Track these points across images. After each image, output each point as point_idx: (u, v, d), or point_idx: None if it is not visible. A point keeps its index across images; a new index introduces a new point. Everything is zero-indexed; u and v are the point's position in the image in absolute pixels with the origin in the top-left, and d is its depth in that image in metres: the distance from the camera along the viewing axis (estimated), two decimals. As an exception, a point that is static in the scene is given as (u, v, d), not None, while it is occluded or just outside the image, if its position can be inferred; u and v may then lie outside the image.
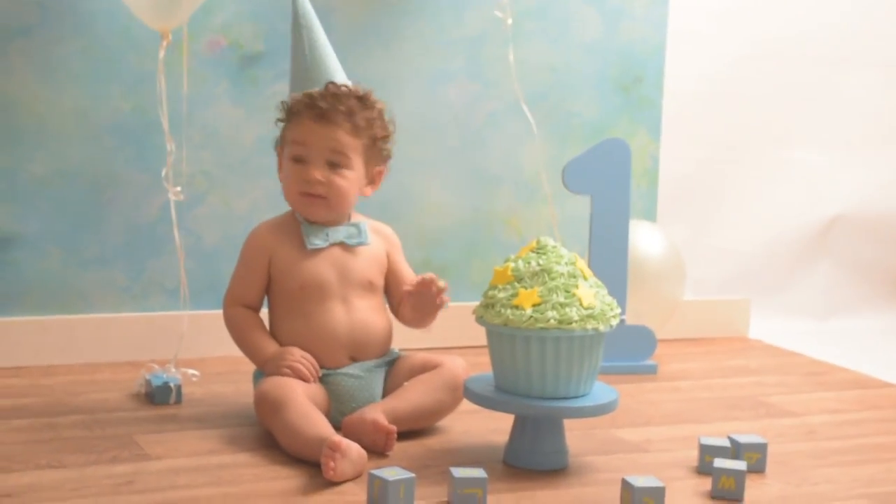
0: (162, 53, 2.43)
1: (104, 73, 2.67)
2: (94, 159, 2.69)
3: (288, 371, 2.18)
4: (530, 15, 3.00)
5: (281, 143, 2.31)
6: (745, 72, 3.35)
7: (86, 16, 2.64)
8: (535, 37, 3.01)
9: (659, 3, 3.13)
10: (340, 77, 2.29)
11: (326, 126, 2.23)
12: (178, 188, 2.50)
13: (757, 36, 3.35)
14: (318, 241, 2.27)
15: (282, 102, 2.31)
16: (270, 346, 2.26)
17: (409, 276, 2.34)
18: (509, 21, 2.83)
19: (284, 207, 2.65)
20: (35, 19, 2.61)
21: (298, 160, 2.25)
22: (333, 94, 2.24)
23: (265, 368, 2.24)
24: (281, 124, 2.31)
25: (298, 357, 2.21)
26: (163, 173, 2.51)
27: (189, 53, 2.67)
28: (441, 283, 2.22)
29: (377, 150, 2.29)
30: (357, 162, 2.26)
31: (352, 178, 2.26)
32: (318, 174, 2.23)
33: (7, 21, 2.59)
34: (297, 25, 2.28)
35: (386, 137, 2.30)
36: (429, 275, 2.22)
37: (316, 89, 2.25)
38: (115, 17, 2.65)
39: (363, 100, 2.27)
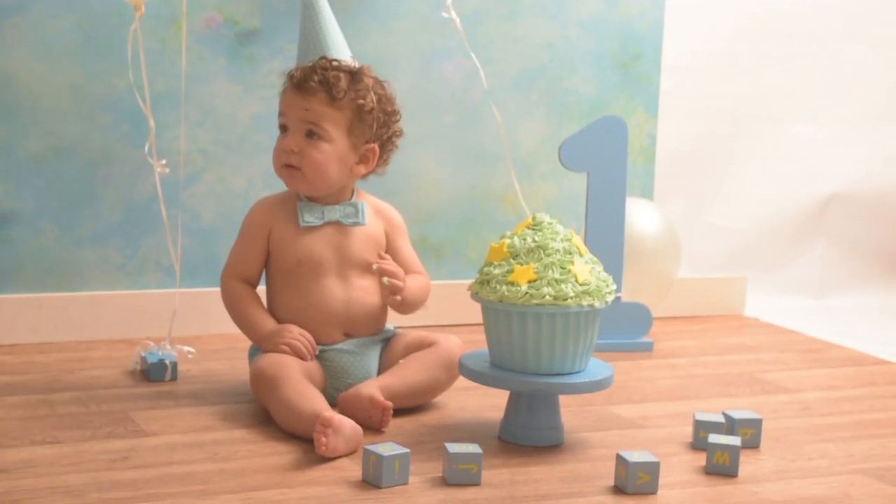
0: (135, 26, 2.41)
1: (98, 49, 2.66)
2: (89, 136, 2.68)
3: (286, 348, 2.19)
4: (527, -8, 2.99)
5: None
6: (743, 47, 3.34)
7: (81, -8, 2.64)
8: (532, 13, 3.00)
9: (656, -21, 3.12)
10: (338, 53, 2.27)
11: (301, 95, 2.23)
12: (164, 161, 2.50)
13: (754, 10, 3.34)
14: (311, 219, 2.26)
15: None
16: (268, 323, 2.26)
17: (409, 259, 2.34)
18: (457, 19, 2.79)
19: (281, 186, 2.65)
20: (30, -5, 2.60)
21: (282, 130, 2.27)
22: (316, 66, 2.24)
23: (262, 345, 2.24)
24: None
25: (296, 335, 2.21)
26: (146, 148, 2.50)
27: (182, 30, 2.66)
28: (386, 280, 2.21)
29: (365, 126, 2.26)
30: (337, 135, 2.24)
31: (328, 151, 2.23)
32: (294, 144, 2.23)
33: (2, -3, 2.59)
34: (304, 2, 2.27)
35: (373, 111, 2.25)
36: (387, 266, 2.22)
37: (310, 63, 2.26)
38: (110, -6, 2.65)
39: (353, 74, 2.26)
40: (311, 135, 2.23)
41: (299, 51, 2.29)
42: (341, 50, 2.28)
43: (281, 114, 2.27)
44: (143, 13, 2.41)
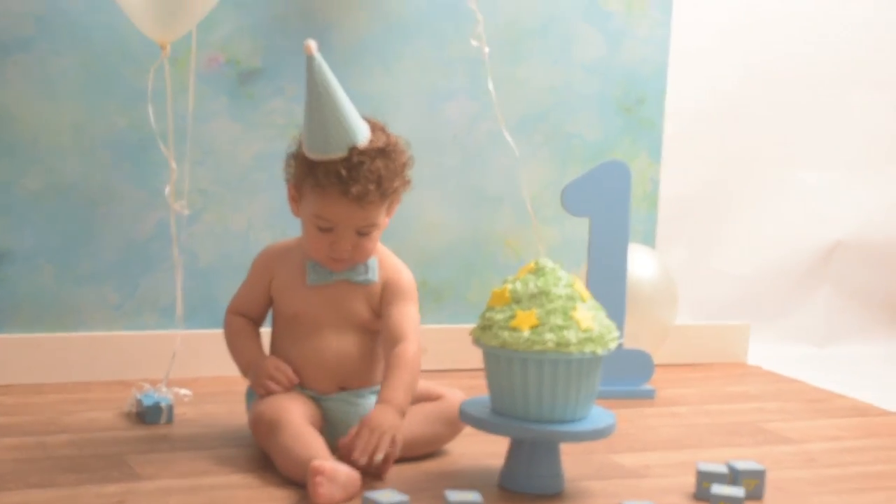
0: (157, 64, 2.41)
1: (100, 87, 2.65)
2: (89, 174, 2.67)
3: (261, 390, 2.18)
4: (531, 34, 2.98)
5: (295, 182, 2.20)
6: (747, 92, 3.34)
7: (83, 30, 2.62)
8: (536, 57, 3.00)
9: (661, 23, 3.11)
10: (362, 133, 2.15)
11: (359, 208, 2.14)
12: (184, 201, 2.49)
13: (759, 56, 3.34)
14: (319, 279, 2.23)
15: (297, 151, 2.19)
16: (251, 353, 2.26)
17: (393, 322, 2.21)
18: (486, 50, 2.81)
19: (281, 226, 2.64)
20: (32, 33, 2.59)
21: (325, 230, 2.17)
22: (360, 164, 2.12)
23: (246, 376, 2.25)
24: (291, 154, 2.22)
25: (271, 371, 2.20)
26: (166, 191, 2.49)
27: (187, 70, 2.65)
28: (378, 459, 2.04)
29: (399, 195, 2.22)
30: (383, 217, 2.19)
31: (378, 234, 2.20)
32: (349, 245, 2.17)
33: (4, 35, 2.57)
34: (315, 89, 2.11)
35: (408, 184, 2.22)
36: (359, 452, 2.03)
37: (339, 155, 2.12)
38: (113, 32, 2.64)
39: (385, 153, 2.16)
40: (363, 233, 2.17)
41: (317, 135, 2.12)
42: (360, 127, 2.16)
43: (327, 220, 2.15)
44: (169, 53, 2.41)
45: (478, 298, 2.99)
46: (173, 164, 2.47)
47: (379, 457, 2.02)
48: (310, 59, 2.10)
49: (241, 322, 2.30)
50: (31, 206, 2.63)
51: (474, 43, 2.80)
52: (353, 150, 2.13)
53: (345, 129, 2.12)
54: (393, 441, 2.05)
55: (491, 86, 2.83)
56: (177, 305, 2.54)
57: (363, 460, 2.01)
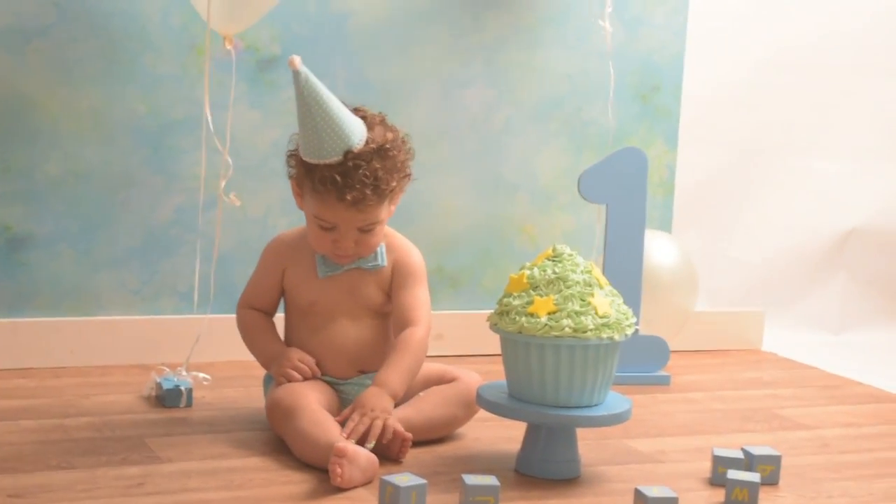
0: (222, 55, 2.44)
1: (120, 74, 2.66)
2: (109, 160, 2.68)
3: (283, 380, 2.18)
4: (549, 22, 2.99)
5: (296, 180, 2.20)
6: (763, 79, 3.34)
7: (102, 17, 2.64)
8: (552, 43, 3.00)
9: (678, 11, 3.11)
10: (357, 135, 2.13)
11: (357, 211, 2.13)
12: (235, 193, 2.52)
13: (776, 43, 3.34)
14: (330, 271, 2.24)
15: (295, 150, 2.18)
16: (273, 347, 2.26)
17: (403, 304, 2.24)
18: (610, 29, 2.83)
19: (298, 213, 2.64)
20: (51, 20, 2.60)
21: (327, 229, 2.17)
22: (356, 168, 2.10)
23: (268, 370, 2.25)
24: (290, 153, 2.22)
25: (295, 362, 2.20)
26: (222, 186, 2.50)
27: (205, 56, 2.66)
28: (371, 444, 2.05)
29: (400, 189, 2.21)
30: (385, 212, 2.18)
31: (381, 229, 2.20)
32: (351, 242, 2.17)
33: (24, 21, 2.59)
34: (304, 101, 2.09)
35: (406, 177, 2.21)
36: (355, 431, 2.05)
37: (335, 159, 2.10)
38: (132, 19, 2.65)
39: (382, 153, 2.14)
40: (365, 230, 2.18)
41: (311, 142, 2.11)
42: (354, 130, 2.13)
43: (327, 221, 2.15)
44: (235, 45, 2.43)
45: (494, 285, 3.00)
46: (228, 159, 2.50)
47: (371, 444, 2.03)
48: (295, 73, 2.08)
49: (256, 316, 2.30)
50: (51, 192, 2.65)
51: (601, 23, 2.82)
52: (348, 153, 2.11)
53: (337, 135, 2.10)
54: (385, 426, 2.06)
55: (611, 70, 2.90)
56: (209, 290, 2.56)
57: (352, 442, 2.01)
